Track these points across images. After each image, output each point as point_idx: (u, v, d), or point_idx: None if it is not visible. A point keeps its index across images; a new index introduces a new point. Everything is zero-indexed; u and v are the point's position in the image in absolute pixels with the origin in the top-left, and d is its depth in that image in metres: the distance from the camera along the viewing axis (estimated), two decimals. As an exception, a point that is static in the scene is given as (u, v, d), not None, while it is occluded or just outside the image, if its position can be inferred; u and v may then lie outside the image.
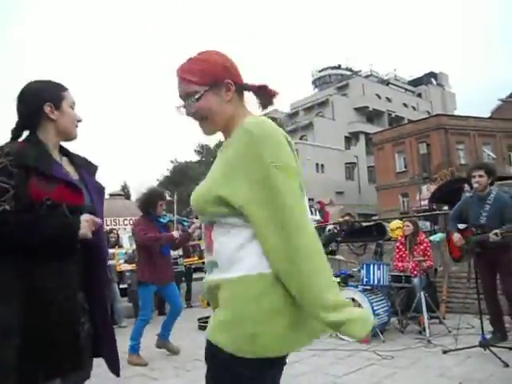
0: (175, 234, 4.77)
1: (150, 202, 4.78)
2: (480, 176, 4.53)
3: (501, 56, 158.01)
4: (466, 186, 7.90)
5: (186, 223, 5.12)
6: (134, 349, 4.67)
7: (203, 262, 8.67)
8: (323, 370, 4.03)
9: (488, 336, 4.29)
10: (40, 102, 1.67)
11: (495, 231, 4.17)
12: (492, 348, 4.02)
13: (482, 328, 4.21)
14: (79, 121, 1.78)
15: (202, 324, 6.39)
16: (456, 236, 4.73)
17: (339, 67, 57.11)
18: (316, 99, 48.43)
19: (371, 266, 5.28)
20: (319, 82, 57.03)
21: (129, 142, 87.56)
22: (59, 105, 1.70)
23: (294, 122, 46.79)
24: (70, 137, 1.77)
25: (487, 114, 36.70)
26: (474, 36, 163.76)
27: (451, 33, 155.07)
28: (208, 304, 8.99)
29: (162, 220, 4.85)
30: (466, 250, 4.60)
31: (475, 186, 4.53)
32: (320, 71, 57.80)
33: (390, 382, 3.58)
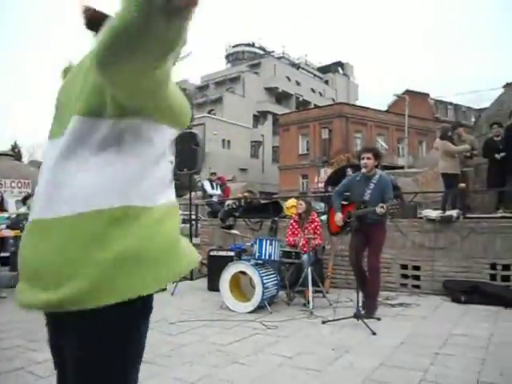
0: None
1: None
2: (368, 158, 4.96)
3: (400, 55, 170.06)
4: (349, 171, 8.60)
5: None
6: None
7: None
8: (209, 340, 4.11)
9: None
10: None
11: (381, 204, 4.61)
12: (364, 319, 4.44)
13: (357, 301, 4.62)
14: None
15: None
16: (338, 215, 5.13)
17: (253, 45, 57.28)
18: (228, 74, 48.22)
19: (264, 242, 5.47)
20: (232, 58, 56.78)
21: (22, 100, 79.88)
22: None
23: (204, 95, 46.21)
24: None
25: (385, 108, 39.57)
26: (380, 32, 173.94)
27: (360, 25, 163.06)
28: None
29: None
30: (347, 223, 5.03)
31: (363, 166, 4.94)
32: (234, 47, 57.49)
33: (271, 349, 3.77)
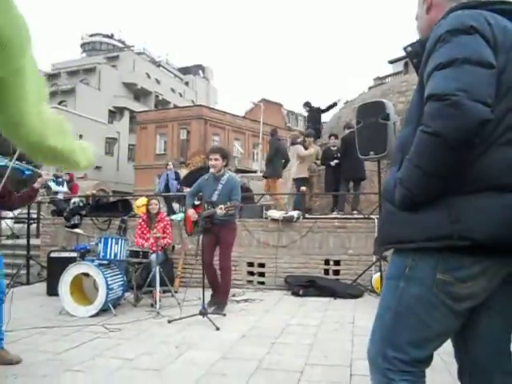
0: None
1: None
2: (216, 159, 5.08)
3: (259, 65, 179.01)
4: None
5: (27, 173, 3.61)
6: None
7: None
8: (40, 348, 3.77)
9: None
10: None
11: (220, 206, 4.76)
12: (209, 315, 4.55)
13: (203, 299, 4.71)
14: None
15: None
16: (190, 211, 5.18)
17: (112, 37, 54.61)
18: (82, 64, 44.98)
19: (109, 240, 5.23)
20: (88, 48, 53.27)
21: None
22: None
23: (55, 84, 42.34)
24: None
25: (242, 114, 41.18)
26: (241, 40, 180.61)
27: (221, 31, 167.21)
28: None
29: None
30: (197, 224, 5.08)
31: (211, 166, 5.05)
32: (91, 36, 54.01)
33: (111, 353, 3.62)
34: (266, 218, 7.19)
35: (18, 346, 3.80)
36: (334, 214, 7.79)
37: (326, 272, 6.69)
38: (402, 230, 1.31)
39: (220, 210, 4.75)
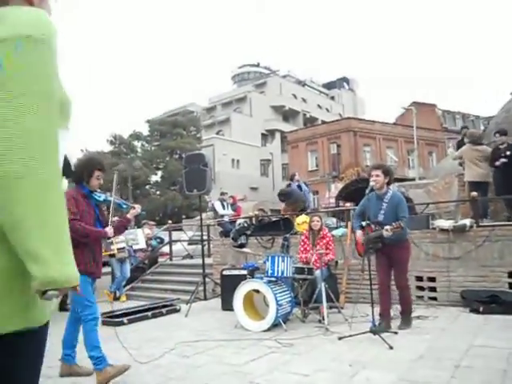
0: (109, 231, 3.87)
1: (85, 168, 3.84)
2: (377, 175, 4.91)
3: (405, 68, 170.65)
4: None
5: (124, 207, 4.38)
6: (102, 361, 3.56)
7: (110, 255, 8.34)
8: (224, 360, 4.08)
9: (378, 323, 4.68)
10: None
11: (386, 227, 4.58)
12: (380, 333, 4.37)
13: (373, 316, 4.55)
14: None
15: (107, 319, 6.15)
16: (359, 233, 5.08)
17: (258, 65, 57.99)
18: (234, 95, 48.70)
19: (276, 259, 5.45)
20: (238, 79, 57.46)
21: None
22: None
23: (212, 117, 46.69)
24: None
25: (392, 120, 39.57)
26: (382, 46, 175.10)
27: (362, 40, 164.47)
28: (115, 298, 8.70)
29: (97, 197, 3.97)
30: (367, 246, 4.93)
31: (372, 183, 4.89)
32: (239, 67, 58.25)
33: (287, 368, 3.72)
34: (433, 229, 6.69)
35: (205, 358, 4.17)
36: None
37: (511, 286, 5.90)
38: None
39: (386, 232, 4.59)
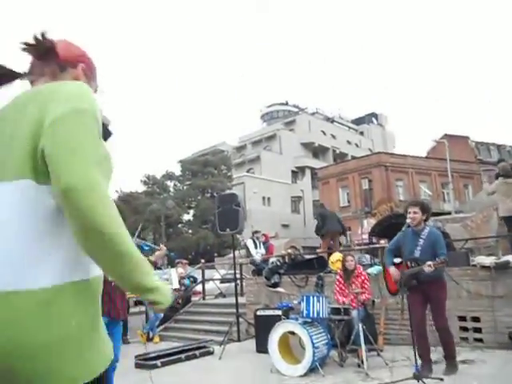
0: None
1: None
2: (415, 212, 4.79)
3: (435, 101, 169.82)
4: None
5: (146, 249, 4.44)
6: None
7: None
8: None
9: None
10: None
11: (429, 263, 4.40)
12: (424, 379, 4.14)
13: (416, 360, 4.33)
14: None
15: (141, 362, 6.11)
16: (392, 270, 4.91)
17: (286, 103, 58.98)
18: (264, 133, 49.48)
19: (311, 299, 5.33)
20: (267, 117, 58.48)
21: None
22: None
23: (242, 155, 47.41)
24: None
25: (423, 154, 39.07)
26: (412, 82, 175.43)
27: (391, 77, 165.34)
28: (148, 339, 8.66)
29: None
30: (402, 283, 4.76)
31: (409, 221, 4.77)
32: (268, 107, 59.39)
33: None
34: (473, 265, 6.42)
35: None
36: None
37: None
38: None
39: (428, 268, 4.40)
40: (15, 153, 1.06)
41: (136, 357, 6.22)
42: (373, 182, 32.77)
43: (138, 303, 9.16)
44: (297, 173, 46.09)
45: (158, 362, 6.10)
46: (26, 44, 1.24)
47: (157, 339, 8.73)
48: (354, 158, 41.90)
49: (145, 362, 6.08)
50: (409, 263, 4.72)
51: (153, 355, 6.35)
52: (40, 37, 1.23)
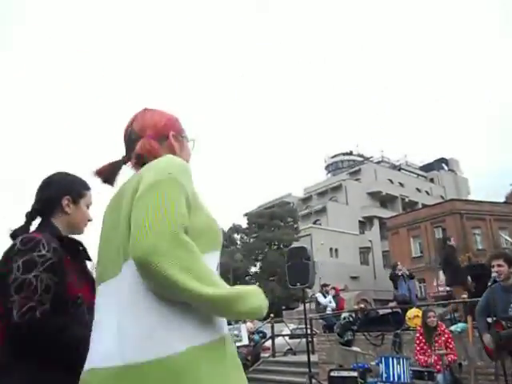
0: None
1: None
2: (499, 265, 4.39)
3: (508, 142, 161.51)
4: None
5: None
6: None
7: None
8: None
9: None
10: (61, 192, 1.72)
11: None
12: None
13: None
14: (90, 220, 1.83)
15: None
16: (486, 338, 4.44)
17: (351, 153, 58.71)
18: (329, 184, 49.26)
19: (390, 360, 4.98)
20: (332, 168, 58.37)
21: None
22: (77, 201, 1.76)
23: (308, 207, 47.25)
24: (77, 232, 1.81)
25: (502, 199, 36.72)
26: (482, 124, 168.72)
27: (459, 120, 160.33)
28: None
29: None
30: (500, 347, 4.31)
31: (494, 275, 4.40)
32: (332, 157, 59.41)
33: None
34: None
35: None
36: None
37: None
38: None
39: None
40: (124, 231, 1.12)
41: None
42: (447, 230, 31.06)
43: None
44: (364, 223, 44.95)
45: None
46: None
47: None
48: (424, 206, 40.25)
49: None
50: (504, 323, 4.28)
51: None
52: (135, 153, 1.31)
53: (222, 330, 1.10)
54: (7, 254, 1.50)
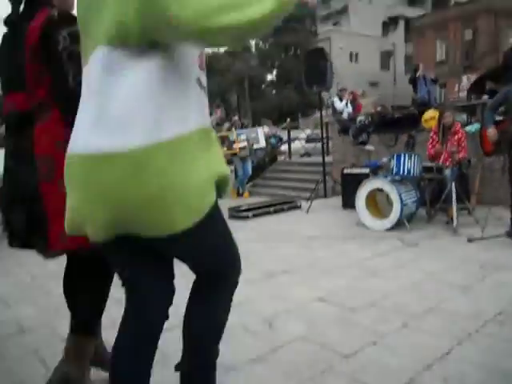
0: None
1: None
2: None
3: None
4: None
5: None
6: None
7: (232, 154, 8.73)
8: (347, 254, 4.19)
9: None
10: None
11: None
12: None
13: (511, 219, 4.20)
14: None
15: (234, 213, 6.60)
16: (490, 130, 4.48)
17: None
18: (353, -21, 44.17)
19: (402, 157, 5.18)
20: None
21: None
22: None
23: (328, 7, 43.39)
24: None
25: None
26: None
27: None
28: (238, 194, 9.28)
29: None
30: (505, 141, 4.39)
31: None
32: None
33: (411, 265, 3.70)
34: None
35: (326, 251, 4.33)
36: None
37: None
38: None
39: None
40: None
41: (229, 209, 6.73)
42: (478, 31, 28.85)
43: (228, 162, 9.61)
44: (388, 24, 41.66)
45: (249, 214, 6.58)
46: None
47: (246, 195, 9.31)
48: (457, 3, 36.53)
49: (237, 214, 6.59)
50: None
51: (244, 207, 6.84)
52: None
53: (188, 126, 1.14)
54: (46, 24, 1.50)
